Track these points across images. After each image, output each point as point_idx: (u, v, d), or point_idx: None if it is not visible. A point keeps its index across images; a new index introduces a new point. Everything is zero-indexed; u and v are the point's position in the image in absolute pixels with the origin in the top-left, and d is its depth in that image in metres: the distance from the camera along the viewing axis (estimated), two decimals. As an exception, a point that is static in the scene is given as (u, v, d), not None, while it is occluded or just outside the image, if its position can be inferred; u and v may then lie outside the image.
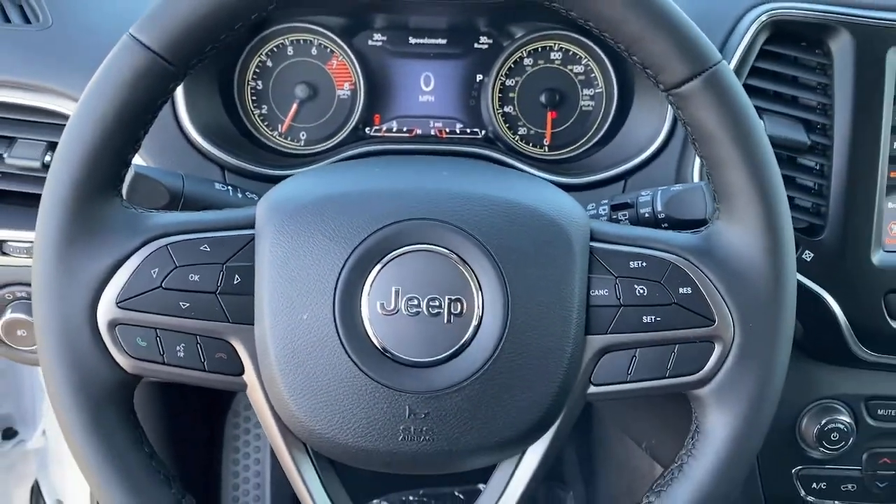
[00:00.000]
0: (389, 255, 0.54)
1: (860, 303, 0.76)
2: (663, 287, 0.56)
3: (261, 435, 1.35)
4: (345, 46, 0.89)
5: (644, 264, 0.57)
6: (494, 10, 0.85)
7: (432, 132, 0.92)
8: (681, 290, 0.56)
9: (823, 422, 0.83)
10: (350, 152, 0.86)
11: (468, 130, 0.92)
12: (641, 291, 0.56)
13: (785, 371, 0.58)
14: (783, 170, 0.77)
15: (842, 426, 0.82)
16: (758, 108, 0.77)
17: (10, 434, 1.40)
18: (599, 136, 0.91)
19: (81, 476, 0.56)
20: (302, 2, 0.84)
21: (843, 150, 0.74)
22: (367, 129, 0.91)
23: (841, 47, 0.74)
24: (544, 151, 0.92)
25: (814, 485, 0.87)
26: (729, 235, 0.57)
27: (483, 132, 0.91)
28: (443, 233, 0.55)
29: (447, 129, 0.92)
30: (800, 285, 0.77)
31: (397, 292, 0.54)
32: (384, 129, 0.91)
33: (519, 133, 0.91)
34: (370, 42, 0.90)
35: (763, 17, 0.76)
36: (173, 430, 1.09)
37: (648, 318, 0.56)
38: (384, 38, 0.90)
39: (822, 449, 0.83)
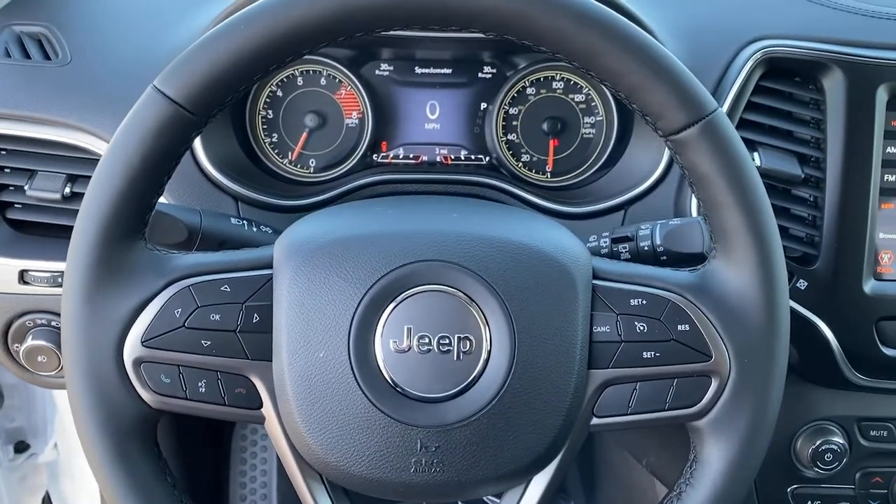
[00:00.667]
0: (401, 296, 0.57)
1: (852, 330, 0.79)
2: (662, 324, 0.59)
3: (268, 447, 1.38)
4: (352, 77, 0.92)
5: (644, 302, 0.60)
6: (498, 42, 0.88)
7: (438, 159, 0.94)
8: (679, 327, 0.59)
9: (818, 443, 0.85)
10: (359, 181, 0.88)
11: (473, 157, 0.94)
12: (642, 328, 0.59)
13: (779, 404, 0.61)
14: (778, 201, 0.80)
15: (835, 447, 0.85)
16: (754, 142, 0.81)
17: (22, 447, 1.43)
18: (600, 163, 0.93)
19: (92, 489, 0.58)
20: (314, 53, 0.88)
21: (836, 182, 0.77)
22: (374, 157, 0.94)
23: (833, 84, 0.77)
24: (547, 178, 0.94)
25: (808, 503, 0.89)
26: (725, 274, 0.59)
27: (487, 159, 0.94)
28: (452, 273, 0.58)
29: (452, 156, 0.94)
30: (794, 312, 0.81)
31: (409, 331, 0.57)
32: (391, 156, 0.94)
33: (522, 160, 0.94)
34: (377, 72, 0.93)
35: (758, 55, 0.79)
36: (184, 448, 1.11)
37: (648, 353, 0.59)
38: (391, 69, 0.93)
39: (816, 469, 0.86)
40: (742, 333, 0.59)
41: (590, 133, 0.93)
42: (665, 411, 0.60)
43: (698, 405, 0.60)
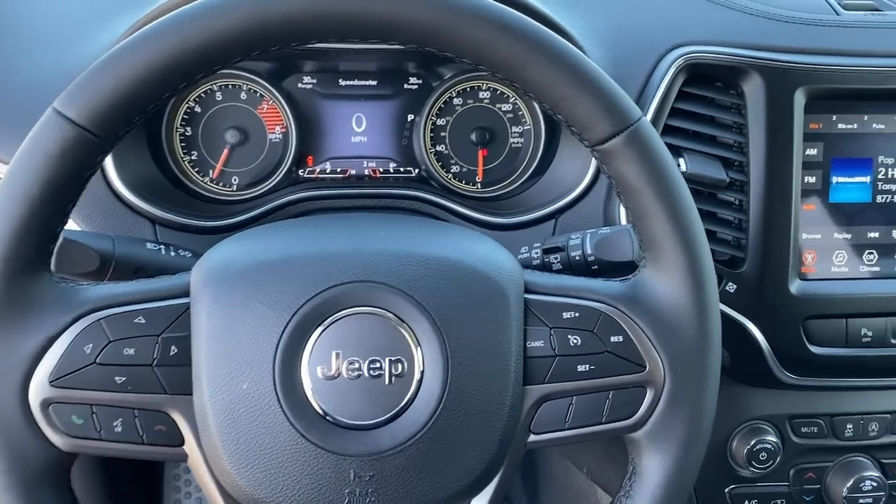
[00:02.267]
0: (328, 320, 0.55)
1: (781, 330, 0.80)
2: (596, 336, 0.58)
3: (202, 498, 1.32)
4: (274, 90, 0.89)
5: (577, 314, 0.59)
6: (423, 53, 0.86)
7: (366, 172, 0.92)
8: (612, 339, 0.59)
9: (752, 442, 0.86)
10: (284, 199, 0.86)
11: (402, 170, 0.93)
12: (575, 341, 0.58)
13: (714, 411, 0.61)
14: (705, 205, 0.81)
15: (769, 446, 0.86)
16: (679, 148, 0.81)
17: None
18: (529, 172, 0.93)
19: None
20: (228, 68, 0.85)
21: (759, 185, 0.78)
22: (300, 172, 0.91)
23: (753, 88, 0.78)
24: (477, 188, 0.93)
25: (745, 502, 0.90)
26: (655, 283, 0.59)
27: (417, 171, 0.92)
28: (381, 294, 0.56)
29: (381, 169, 0.92)
30: (725, 315, 0.81)
31: (337, 356, 0.55)
32: (318, 170, 0.92)
33: (452, 171, 0.93)
34: (300, 85, 0.90)
35: (679, 61, 0.79)
36: (110, 484, 1.06)
37: (583, 366, 0.58)
38: (314, 81, 0.90)
39: (751, 468, 0.87)
40: (675, 342, 0.58)
41: (518, 142, 0.93)
42: (602, 424, 0.59)
43: (634, 417, 0.59)
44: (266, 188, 0.90)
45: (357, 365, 0.54)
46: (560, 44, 0.55)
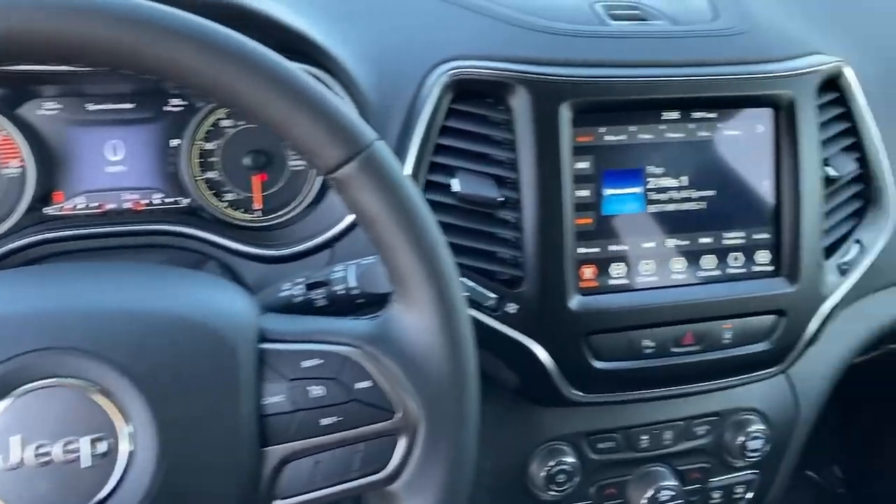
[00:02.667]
0: (5, 400, 0.46)
1: (564, 347, 0.78)
2: (340, 384, 0.53)
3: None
4: (6, 119, 0.78)
5: (319, 361, 0.53)
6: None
7: (127, 206, 0.83)
8: (358, 385, 0.53)
9: (550, 464, 0.84)
10: (21, 241, 0.76)
11: (168, 200, 0.84)
12: (318, 392, 0.53)
13: (475, 449, 0.57)
14: (482, 225, 0.78)
15: (567, 466, 0.85)
16: (452, 167, 0.78)
17: None
18: (313, 196, 0.87)
19: None
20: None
21: (532, 202, 0.76)
22: (46, 210, 0.81)
23: (519, 103, 0.76)
24: (256, 217, 0.86)
25: (551, 527, 0.89)
26: (404, 320, 0.55)
27: (187, 201, 0.84)
28: (74, 362, 0.48)
29: (145, 202, 0.84)
30: (508, 338, 0.79)
31: (21, 442, 0.46)
32: (67, 207, 0.82)
33: (226, 199, 0.85)
34: (39, 112, 0.80)
35: (445, 77, 0.76)
36: None
37: (328, 419, 0.53)
38: (59, 107, 0.80)
39: (551, 491, 0.85)
40: (427, 382, 0.54)
41: (298, 165, 0.86)
42: (354, 481, 0.54)
43: (388, 468, 0.54)
44: (3, 230, 0.79)
45: (46, 449, 0.46)
46: (272, 62, 0.50)
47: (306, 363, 0.53)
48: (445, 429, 0.55)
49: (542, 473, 0.84)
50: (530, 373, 0.80)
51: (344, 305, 0.65)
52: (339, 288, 0.66)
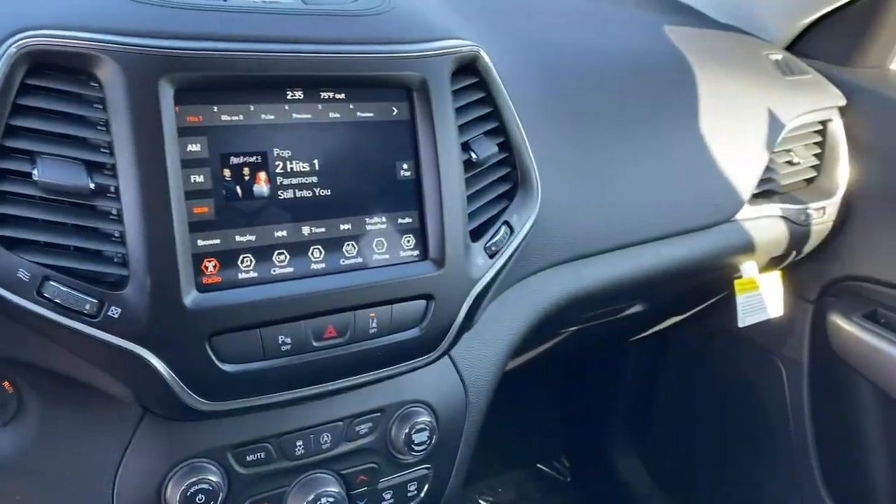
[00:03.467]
0: None
1: (183, 352, 0.70)
2: None
3: None
4: None
5: None
6: None
7: None
8: None
9: (186, 485, 0.75)
10: None
11: None
12: None
13: None
14: (77, 219, 0.67)
15: (206, 485, 0.76)
16: (32, 152, 0.67)
17: None
18: None
19: None
20: None
21: (133, 191, 0.67)
22: None
23: (110, 79, 0.67)
24: None
25: (198, 555, 0.79)
26: None
27: None
28: None
29: None
30: (115, 347, 0.69)
31: None
32: None
33: None
34: None
35: (13, 50, 0.65)
36: None
37: None
38: None
39: (188, 516, 0.76)
40: None
41: None
42: None
43: None
44: None
45: None
46: None
47: None
48: None
49: (178, 497, 0.75)
50: (146, 385, 0.70)
51: None
52: None
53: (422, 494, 0.94)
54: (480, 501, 2.07)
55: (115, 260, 0.68)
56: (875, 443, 1.51)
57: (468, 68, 0.88)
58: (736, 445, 1.78)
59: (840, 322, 1.44)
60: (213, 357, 0.71)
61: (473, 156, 0.87)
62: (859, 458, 1.53)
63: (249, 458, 0.80)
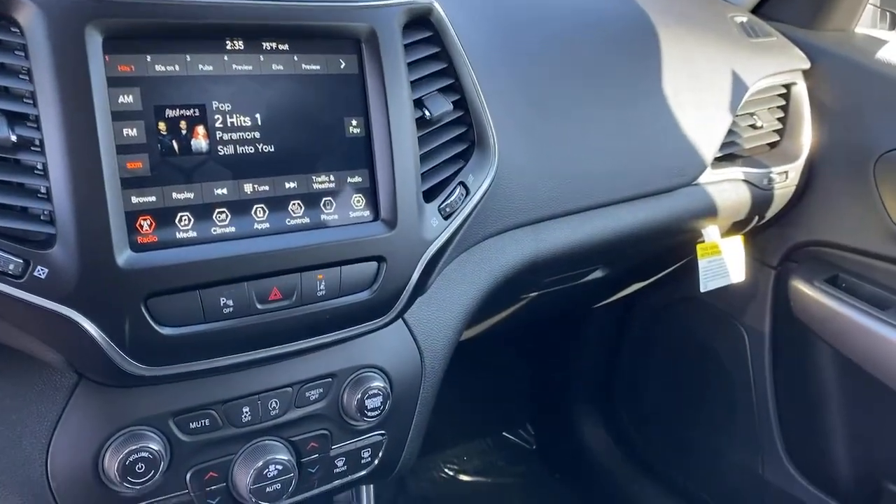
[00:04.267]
0: None
1: (116, 315, 0.66)
2: None
3: None
4: None
5: None
6: None
7: None
8: None
9: (124, 454, 0.72)
10: None
11: None
12: None
13: None
14: (0, 174, 0.64)
15: (146, 454, 0.73)
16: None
17: None
18: None
19: None
20: None
21: (59, 144, 0.63)
22: None
23: (32, 24, 0.62)
24: None
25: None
26: None
27: None
28: None
29: None
30: (43, 309, 0.65)
31: None
32: None
33: None
34: None
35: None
36: None
37: None
38: None
39: (128, 485, 0.73)
40: None
41: None
42: None
43: None
44: None
45: None
46: None
47: None
48: None
49: (116, 466, 0.72)
50: (79, 350, 0.67)
51: None
52: None
53: (376, 461, 0.92)
54: (445, 469, 2.07)
55: (42, 217, 0.65)
56: (835, 407, 1.52)
57: (421, 21, 0.85)
58: (699, 412, 1.79)
59: (802, 287, 1.44)
60: (150, 320, 0.68)
61: (427, 113, 0.84)
62: (820, 422, 1.55)
63: (193, 425, 0.77)
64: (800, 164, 1.39)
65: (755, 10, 1.53)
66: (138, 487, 0.74)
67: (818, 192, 1.44)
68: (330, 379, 0.86)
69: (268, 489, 0.80)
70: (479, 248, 1.01)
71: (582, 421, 2.04)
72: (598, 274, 1.39)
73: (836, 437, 1.52)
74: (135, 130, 0.68)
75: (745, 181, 1.33)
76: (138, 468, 0.73)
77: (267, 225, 0.75)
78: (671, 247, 1.41)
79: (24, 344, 0.69)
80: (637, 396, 1.96)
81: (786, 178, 1.37)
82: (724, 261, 1.35)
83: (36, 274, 0.64)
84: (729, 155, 1.32)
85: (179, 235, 0.70)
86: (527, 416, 2.25)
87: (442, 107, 0.86)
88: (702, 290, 1.36)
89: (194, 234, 0.71)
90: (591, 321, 1.94)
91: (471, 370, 1.93)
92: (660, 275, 1.62)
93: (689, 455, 1.83)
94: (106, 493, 0.74)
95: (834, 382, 1.51)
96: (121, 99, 0.67)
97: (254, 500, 0.81)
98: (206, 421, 0.78)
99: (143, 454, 0.73)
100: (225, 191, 0.72)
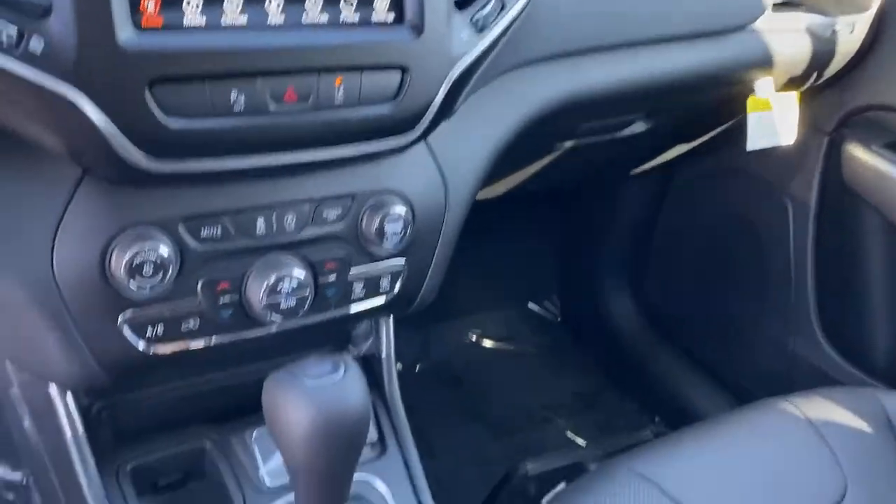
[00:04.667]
0: None
1: (120, 100, 0.62)
2: None
3: None
4: None
5: None
6: None
7: None
8: None
9: (132, 253, 0.69)
10: None
11: None
12: None
13: None
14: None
15: (155, 256, 0.70)
16: None
17: None
18: None
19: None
20: None
21: None
22: None
23: None
24: None
25: (149, 330, 0.75)
26: None
27: None
28: None
29: None
30: (38, 87, 0.61)
31: None
32: None
33: None
34: None
35: None
36: None
37: None
38: None
39: (134, 286, 0.70)
40: None
41: None
42: None
43: None
44: None
45: None
46: None
47: None
48: None
49: (122, 266, 0.69)
50: (79, 135, 0.63)
51: None
52: None
53: (395, 290, 0.89)
54: (470, 334, 2.07)
55: None
56: (879, 284, 1.46)
57: None
58: (733, 287, 1.74)
59: (858, 153, 1.36)
60: (155, 108, 0.63)
61: None
62: (860, 299, 1.49)
63: (204, 232, 0.74)
64: (869, 15, 1.27)
65: None
66: (147, 290, 0.72)
67: (885, 50, 1.33)
68: (349, 199, 0.82)
69: (282, 305, 0.78)
70: (510, 76, 0.94)
71: (610, 295, 2.00)
72: (638, 128, 1.31)
73: (876, 313, 1.47)
74: None
75: (806, 31, 1.22)
76: (146, 271, 0.70)
77: (282, 20, 0.69)
78: (719, 101, 1.32)
79: (26, 127, 0.65)
80: (668, 272, 1.91)
81: (852, 31, 1.26)
82: (776, 118, 1.26)
83: (31, 47, 0.59)
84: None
85: (187, 21, 0.65)
86: (553, 287, 2.22)
87: None
88: (749, 147, 1.28)
89: (203, 21, 0.65)
90: (627, 191, 1.88)
91: (499, 235, 1.89)
92: (704, 137, 1.54)
93: (718, 330, 1.79)
94: (113, 294, 0.72)
95: (881, 258, 1.44)
96: None
97: (268, 315, 0.78)
98: (218, 229, 0.75)
99: (152, 256, 0.71)
100: (257, -25, 0.66)
